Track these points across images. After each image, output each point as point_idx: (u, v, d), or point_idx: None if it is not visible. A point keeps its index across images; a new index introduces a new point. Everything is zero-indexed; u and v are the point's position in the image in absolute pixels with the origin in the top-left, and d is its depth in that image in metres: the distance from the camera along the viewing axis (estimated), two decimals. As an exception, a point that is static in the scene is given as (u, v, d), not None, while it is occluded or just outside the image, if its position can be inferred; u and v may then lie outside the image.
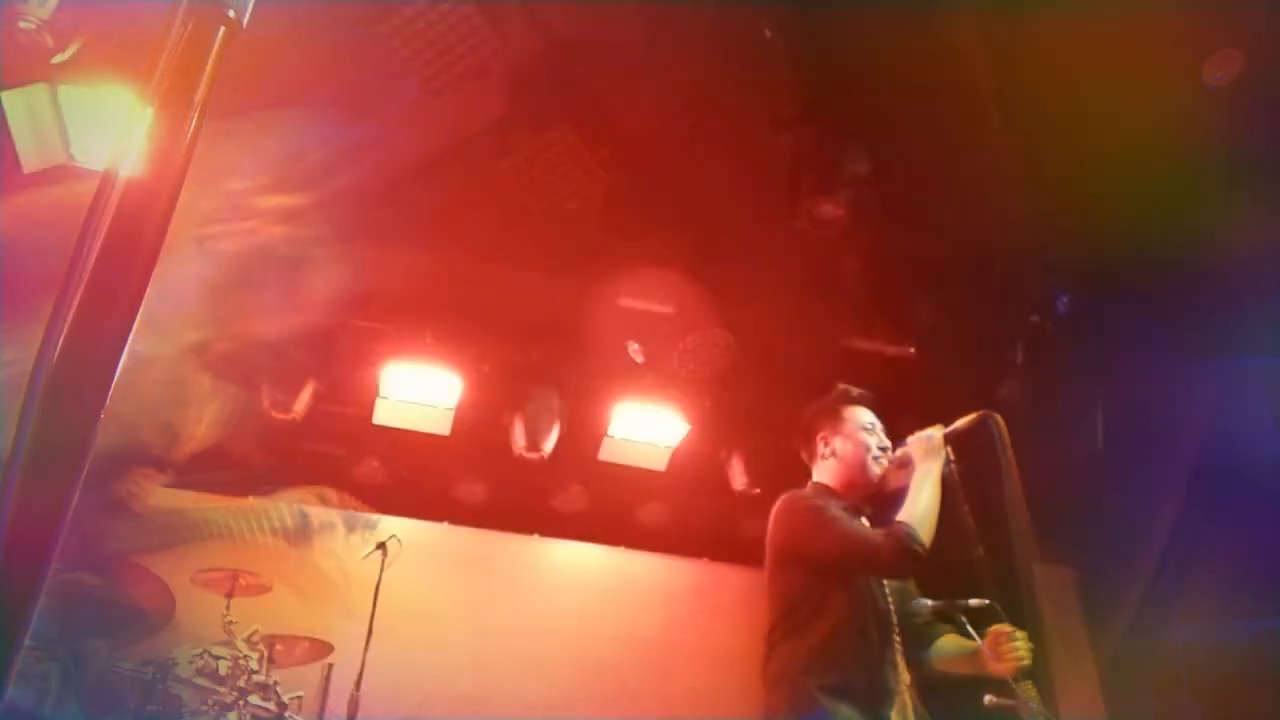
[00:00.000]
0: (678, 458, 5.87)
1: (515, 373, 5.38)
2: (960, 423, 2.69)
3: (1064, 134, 3.78)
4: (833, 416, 2.84)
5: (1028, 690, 2.46)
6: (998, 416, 2.62)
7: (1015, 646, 2.46)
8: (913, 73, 3.63)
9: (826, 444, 2.82)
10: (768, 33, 3.55)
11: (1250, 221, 3.91)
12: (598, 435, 5.72)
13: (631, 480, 6.09)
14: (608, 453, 5.82)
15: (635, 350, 5.08)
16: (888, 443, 2.80)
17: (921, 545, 2.48)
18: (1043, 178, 3.96)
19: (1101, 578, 5.24)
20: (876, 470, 2.74)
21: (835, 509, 2.63)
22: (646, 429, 5.70)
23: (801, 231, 4.04)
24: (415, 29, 3.52)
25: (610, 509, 6.41)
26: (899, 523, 2.53)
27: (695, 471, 5.97)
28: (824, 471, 2.81)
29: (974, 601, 2.75)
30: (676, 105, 3.96)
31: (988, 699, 2.79)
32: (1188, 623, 4.73)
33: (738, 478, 5.76)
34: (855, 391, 2.89)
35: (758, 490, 5.74)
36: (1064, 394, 4.81)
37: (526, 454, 5.36)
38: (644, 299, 4.83)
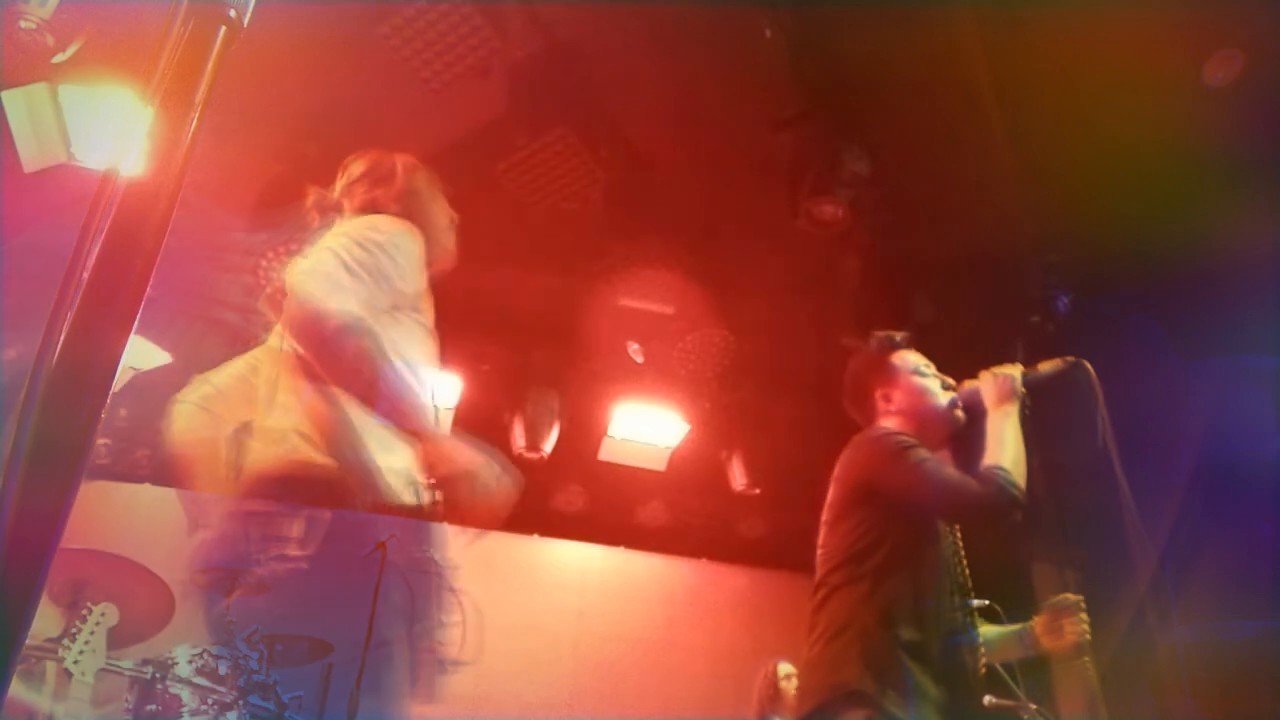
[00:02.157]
0: (677, 458, 5.87)
1: (515, 373, 5.38)
2: (1043, 367, 2.51)
3: (1064, 134, 3.78)
4: (884, 369, 2.60)
5: (1086, 668, 2.34)
6: (1087, 364, 2.46)
7: (1081, 619, 2.29)
8: (913, 73, 3.63)
9: (888, 400, 2.56)
10: (768, 33, 3.55)
11: (1250, 222, 3.91)
12: (598, 435, 5.72)
13: (631, 480, 6.09)
14: (607, 453, 5.82)
15: (635, 350, 5.08)
16: (950, 380, 2.58)
17: (1021, 492, 2.25)
18: (1043, 178, 3.96)
19: (1101, 578, 5.23)
20: (947, 409, 2.50)
21: (924, 450, 2.37)
22: (646, 429, 5.70)
23: (801, 231, 4.04)
24: (415, 29, 3.52)
25: (610, 509, 6.41)
26: (993, 468, 2.29)
27: (695, 471, 5.97)
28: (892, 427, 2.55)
29: (975, 602, 2.73)
30: (676, 105, 3.96)
31: (988, 699, 2.78)
32: (1188, 623, 4.73)
33: (737, 478, 5.76)
34: (898, 336, 2.66)
35: (757, 490, 5.74)
36: (1064, 394, 4.80)
37: (526, 454, 5.36)
38: (644, 299, 4.83)
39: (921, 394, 2.53)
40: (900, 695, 2.13)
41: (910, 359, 2.61)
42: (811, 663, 2.32)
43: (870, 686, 2.14)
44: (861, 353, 2.70)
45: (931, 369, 2.61)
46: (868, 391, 2.63)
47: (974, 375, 2.63)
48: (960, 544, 2.46)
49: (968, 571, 2.42)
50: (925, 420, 2.52)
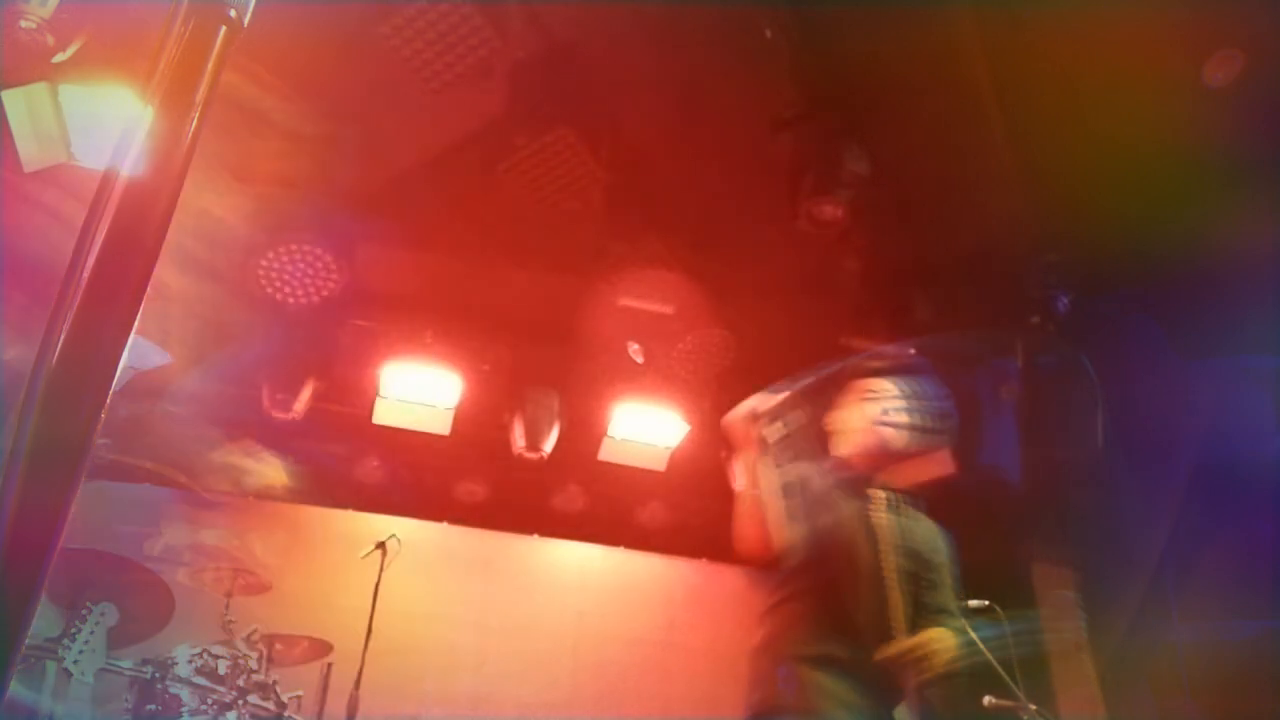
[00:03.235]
0: (677, 458, 5.87)
1: (515, 373, 5.38)
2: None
3: (1064, 134, 3.78)
4: (838, 390, 2.71)
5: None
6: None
7: (936, 648, 2.31)
8: (913, 72, 3.63)
9: (833, 421, 2.70)
10: (768, 33, 3.55)
11: (1250, 221, 3.91)
12: (597, 435, 5.72)
13: (631, 480, 6.09)
14: (607, 453, 5.82)
15: (635, 350, 5.08)
16: (898, 404, 2.61)
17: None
18: (1043, 178, 3.96)
19: (1101, 578, 5.23)
20: (882, 438, 2.58)
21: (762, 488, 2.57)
22: (646, 429, 5.69)
23: (801, 232, 4.04)
24: (415, 29, 3.52)
25: (610, 509, 6.41)
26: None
27: (695, 471, 5.97)
28: (839, 448, 2.69)
29: (973, 603, 2.74)
30: (677, 105, 3.96)
31: (987, 699, 2.78)
32: (1188, 623, 4.73)
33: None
34: (858, 360, 2.74)
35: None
36: (1064, 394, 4.81)
37: (526, 454, 5.37)
38: (644, 299, 4.83)
39: (856, 421, 2.64)
40: (816, 708, 2.31)
41: (864, 385, 2.68)
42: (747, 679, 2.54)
43: (786, 702, 2.37)
44: (844, 370, 2.76)
45: (883, 395, 2.64)
46: (828, 409, 2.74)
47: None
48: (897, 563, 2.51)
49: (891, 586, 2.48)
50: (858, 447, 2.64)
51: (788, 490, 2.61)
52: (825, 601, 2.44)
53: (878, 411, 2.63)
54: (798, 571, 2.51)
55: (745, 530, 2.59)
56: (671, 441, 5.77)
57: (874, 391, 2.67)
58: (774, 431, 2.58)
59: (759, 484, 2.57)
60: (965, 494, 2.63)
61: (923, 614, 2.51)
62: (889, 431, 2.59)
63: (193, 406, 5.40)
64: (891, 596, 2.44)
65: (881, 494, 2.62)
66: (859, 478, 2.64)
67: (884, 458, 2.62)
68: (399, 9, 3.46)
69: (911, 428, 2.60)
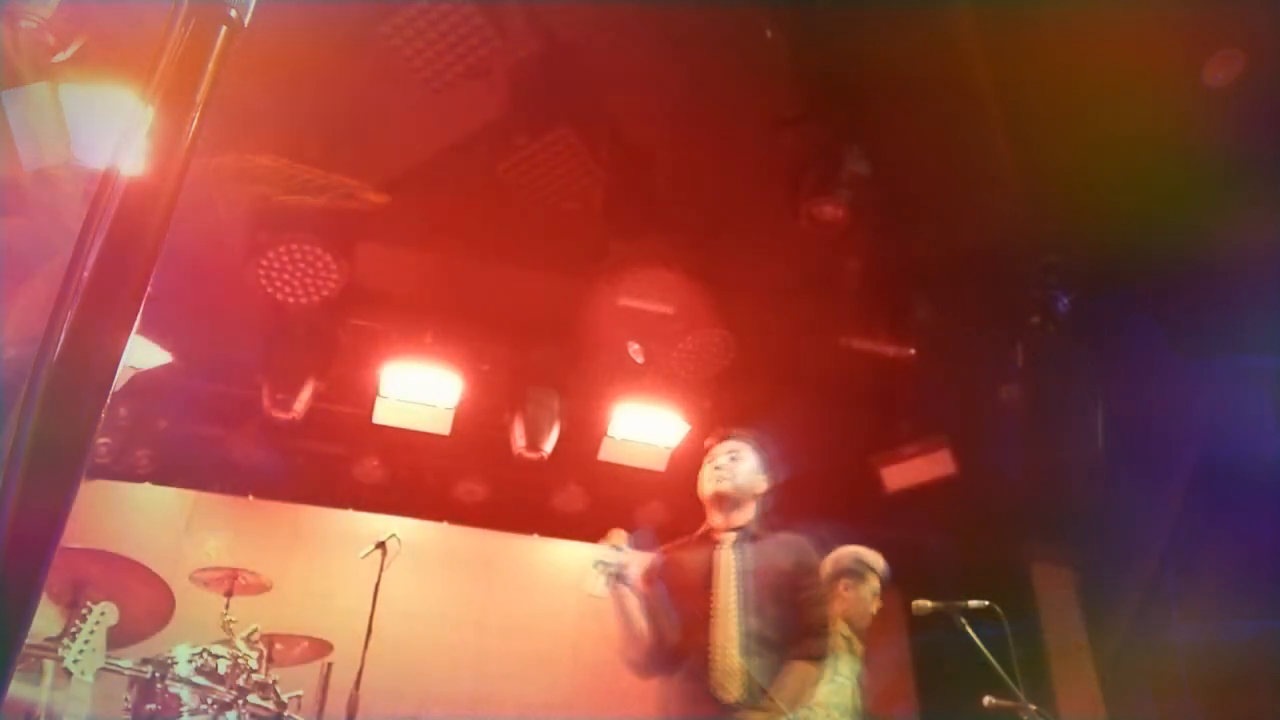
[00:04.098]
0: (677, 458, 5.86)
1: (515, 373, 5.38)
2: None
3: (1064, 133, 3.78)
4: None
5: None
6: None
7: None
8: (913, 72, 3.63)
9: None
10: (768, 33, 3.55)
11: (1250, 221, 3.91)
12: (597, 435, 5.72)
13: (631, 480, 6.09)
14: (607, 453, 5.82)
15: (635, 350, 5.07)
16: (721, 461, 3.11)
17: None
18: (1043, 178, 3.96)
19: (1101, 578, 5.23)
20: (718, 489, 3.06)
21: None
22: (646, 429, 5.69)
23: (802, 232, 4.04)
24: (415, 29, 3.52)
25: (610, 509, 6.41)
26: None
27: (695, 471, 5.96)
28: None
29: (973, 603, 2.74)
30: (677, 105, 3.96)
31: (987, 700, 2.78)
32: (1188, 623, 4.73)
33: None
34: (722, 431, 3.25)
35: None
36: (1064, 394, 4.81)
37: (526, 454, 5.36)
38: (644, 299, 4.82)
39: (713, 501, 3.12)
40: None
41: (711, 462, 3.18)
42: None
43: None
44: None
45: (717, 455, 3.17)
46: None
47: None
48: (740, 589, 2.88)
49: (719, 622, 2.85)
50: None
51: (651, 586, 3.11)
52: (700, 657, 2.82)
53: (713, 468, 3.12)
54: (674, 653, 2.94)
55: (625, 648, 3.08)
56: (671, 441, 5.77)
57: (712, 453, 3.20)
58: (630, 560, 2.99)
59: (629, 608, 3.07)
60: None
61: (779, 643, 2.78)
62: (725, 484, 3.07)
63: (193, 406, 5.41)
64: (719, 633, 2.82)
65: (731, 535, 3.00)
66: (713, 528, 3.06)
67: (725, 503, 3.07)
68: (399, 9, 3.46)
69: (742, 475, 3.08)
